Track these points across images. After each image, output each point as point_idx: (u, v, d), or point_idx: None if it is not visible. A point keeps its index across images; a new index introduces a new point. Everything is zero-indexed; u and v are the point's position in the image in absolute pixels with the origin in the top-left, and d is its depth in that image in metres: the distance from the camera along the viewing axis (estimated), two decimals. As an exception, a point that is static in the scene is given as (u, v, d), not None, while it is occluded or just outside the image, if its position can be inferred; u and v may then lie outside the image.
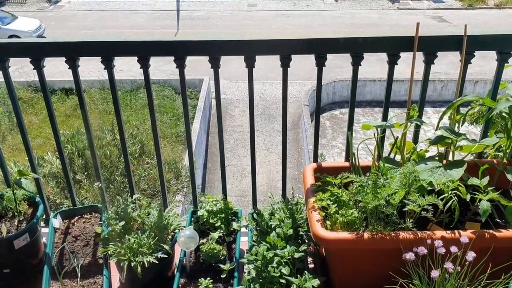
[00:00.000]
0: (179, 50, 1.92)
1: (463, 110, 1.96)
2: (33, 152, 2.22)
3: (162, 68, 12.88)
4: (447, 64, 13.05)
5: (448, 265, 1.43)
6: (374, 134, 1.93)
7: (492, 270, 1.47)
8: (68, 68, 1.96)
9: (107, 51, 1.93)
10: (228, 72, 12.97)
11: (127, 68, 12.87)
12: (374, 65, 11.36)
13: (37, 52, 1.94)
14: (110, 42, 1.91)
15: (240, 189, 10.10)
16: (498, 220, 1.73)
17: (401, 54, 1.91)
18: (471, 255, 1.43)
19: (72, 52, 1.93)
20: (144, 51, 1.93)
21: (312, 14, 21.30)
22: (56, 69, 11.34)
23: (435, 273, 1.45)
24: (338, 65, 13.62)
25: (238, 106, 13.16)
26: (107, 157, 5.91)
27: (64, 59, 1.95)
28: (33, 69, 1.96)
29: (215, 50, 1.92)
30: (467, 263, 1.43)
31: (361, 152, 1.94)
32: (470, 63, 1.88)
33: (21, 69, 11.10)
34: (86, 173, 5.94)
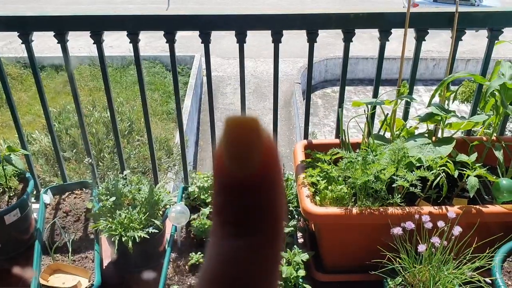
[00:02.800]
0: (169, 25, 1.90)
1: (454, 88, 1.97)
2: (23, 129, 2.20)
3: (153, 44, 12.72)
4: (439, 42, 13.03)
5: (435, 240, 1.46)
6: (364, 111, 1.94)
7: (478, 244, 1.50)
8: (57, 43, 1.93)
9: (96, 26, 1.90)
10: (219, 49, 12.86)
11: (117, 44, 12.70)
12: (367, 43, 11.32)
13: (24, 26, 1.91)
14: (99, 16, 1.89)
15: (232, 166, 10.12)
16: (485, 196, 1.75)
17: (395, 32, 1.91)
18: (457, 230, 1.46)
19: (60, 26, 1.90)
20: (133, 25, 1.90)
21: (305, -10, 21.03)
22: (46, 45, 11.17)
23: (422, 248, 1.47)
24: (331, 43, 13.54)
25: (230, 84, 13.08)
26: (94, 135, 5.87)
27: (53, 34, 1.92)
28: (21, 43, 1.93)
29: (205, 24, 1.90)
30: (453, 237, 1.46)
31: (353, 130, 1.95)
32: (461, 40, 1.88)
33: (9, 45, 10.92)
34: (74, 150, 5.91)
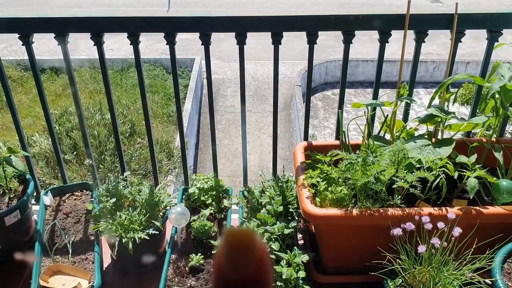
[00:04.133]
0: (169, 26, 1.91)
1: (454, 90, 1.97)
2: (23, 131, 2.21)
3: (153, 47, 12.73)
4: (439, 45, 13.04)
5: (435, 241, 1.46)
6: (364, 112, 1.94)
7: (478, 245, 1.50)
8: (58, 45, 1.94)
9: (97, 27, 1.91)
10: (220, 52, 12.87)
11: (117, 47, 12.72)
12: (367, 45, 11.32)
13: (26, 27, 1.91)
14: (99, 18, 1.89)
15: (232, 169, 10.11)
16: (485, 197, 1.76)
17: (394, 35, 1.91)
18: (457, 231, 1.46)
19: (61, 28, 1.91)
20: (134, 27, 1.91)
21: (305, -7, 21.05)
22: (46, 48, 11.19)
23: (422, 248, 1.47)
24: (331, 45, 13.55)
25: (230, 87, 13.08)
26: (95, 137, 5.87)
27: (53, 35, 1.92)
28: (22, 45, 1.94)
29: (205, 26, 1.91)
30: (453, 238, 1.46)
31: (353, 132, 1.95)
32: (461, 41, 1.88)
33: (9, 48, 10.93)
34: (75, 152, 5.91)
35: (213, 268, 0.38)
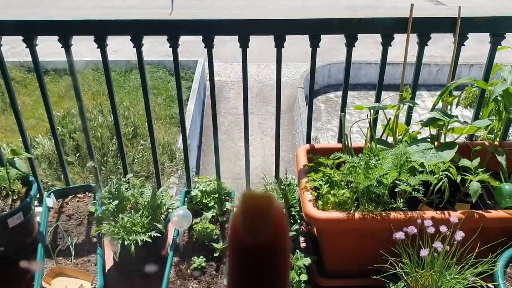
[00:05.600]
0: (173, 29, 1.91)
1: (457, 93, 1.97)
2: (26, 133, 2.22)
3: (156, 49, 12.75)
4: (443, 47, 13.01)
5: (437, 245, 1.46)
6: (367, 115, 1.94)
7: (480, 249, 1.50)
8: (61, 47, 1.95)
9: (100, 30, 1.91)
10: (223, 54, 12.88)
11: (121, 48, 12.75)
12: (370, 47, 11.31)
13: (30, 30, 1.92)
14: (103, 21, 1.90)
15: (235, 171, 10.11)
16: (488, 201, 1.75)
17: (397, 38, 1.91)
18: (460, 235, 1.46)
19: (65, 30, 1.91)
20: (137, 29, 1.92)
21: (308, -5, 21.06)
22: (49, 49, 11.22)
23: (424, 252, 1.47)
24: (334, 48, 13.54)
25: (233, 89, 13.09)
26: (98, 139, 5.88)
27: (57, 38, 1.93)
28: (26, 47, 1.95)
29: (209, 29, 1.91)
30: (455, 242, 1.46)
31: (356, 135, 1.95)
32: (464, 45, 1.88)
33: (12, 49, 10.97)
34: (78, 154, 5.93)
35: (229, 232, 0.37)
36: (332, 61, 13.46)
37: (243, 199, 0.36)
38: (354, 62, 1.98)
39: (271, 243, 0.36)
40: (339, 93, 13.37)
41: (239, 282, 0.37)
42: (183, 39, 1.95)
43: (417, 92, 2.05)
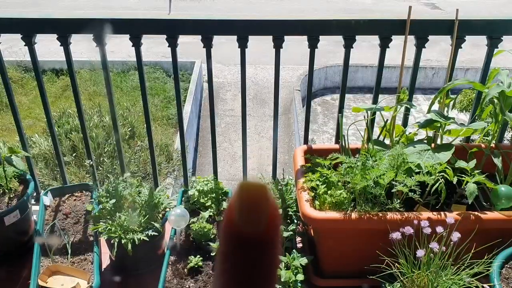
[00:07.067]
0: (172, 28, 1.92)
1: (453, 97, 1.98)
2: (24, 131, 2.21)
3: (154, 50, 12.74)
4: (439, 51, 13.07)
5: (434, 245, 1.47)
6: (364, 117, 1.95)
7: (476, 250, 1.51)
8: (60, 45, 1.95)
9: (99, 29, 1.92)
10: (220, 55, 12.88)
11: (118, 49, 12.73)
12: (366, 51, 11.35)
13: (29, 28, 1.92)
14: (102, 19, 1.90)
15: (231, 173, 10.11)
16: (484, 203, 1.76)
17: (394, 41, 1.92)
18: (456, 236, 1.47)
19: (63, 28, 1.92)
20: (136, 28, 1.92)
21: (306, -2, 21.12)
22: (47, 49, 11.19)
23: (420, 253, 1.48)
24: (331, 51, 13.57)
25: (230, 90, 13.10)
26: (93, 139, 5.88)
27: (55, 36, 1.93)
28: (24, 45, 1.95)
29: (208, 29, 1.92)
30: (452, 243, 1.47)
31: (352, 137, 1.96)
32: (461, 47, 1.90)
33: (10, 49, 10.93)
34: (74, 154, 5.92)
35: (223, 221, 0.37)
36: (329, 64, 13.49)
37: (239, 187, 0.36)
38: (351, 65, 1.99)
39: (264, 232, 0.36)
40: (336, 96, 13.42)
41: (230, 268, 0.37)
42: (179, 40, 1.95)
43: (413, 95, 2.06)
